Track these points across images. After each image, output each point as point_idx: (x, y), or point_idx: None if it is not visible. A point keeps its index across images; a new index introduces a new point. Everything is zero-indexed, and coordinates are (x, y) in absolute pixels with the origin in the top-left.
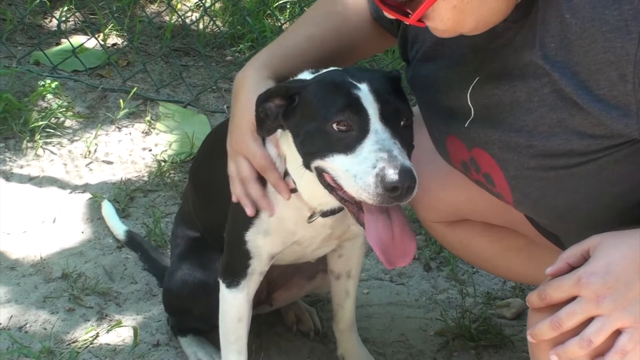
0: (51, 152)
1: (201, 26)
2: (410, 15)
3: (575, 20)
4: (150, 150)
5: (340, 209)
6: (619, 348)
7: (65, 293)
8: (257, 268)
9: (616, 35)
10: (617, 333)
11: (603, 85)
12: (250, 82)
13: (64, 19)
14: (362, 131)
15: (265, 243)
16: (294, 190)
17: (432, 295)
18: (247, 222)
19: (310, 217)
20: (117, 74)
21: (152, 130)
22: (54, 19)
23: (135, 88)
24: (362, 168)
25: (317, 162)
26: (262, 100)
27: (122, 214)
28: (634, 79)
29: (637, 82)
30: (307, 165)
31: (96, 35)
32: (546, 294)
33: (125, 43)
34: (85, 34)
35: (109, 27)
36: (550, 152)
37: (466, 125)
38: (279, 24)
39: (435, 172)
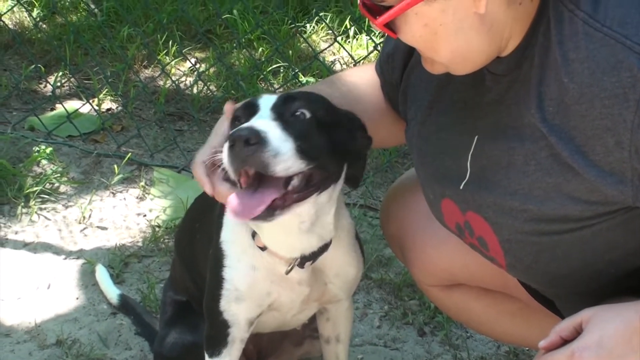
0: (46, 217)
1: (195, 91)
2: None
3: (573, 85)
4: (145, 215)
5: (319, 252)
6: None
7: None
8: (237, 336)
9: (614, 102)
10: None
11: (599, 151)
12: None
13: (58, 84)
14: (249, 118)
15: (240, 310)
16: (264, 248)
17: None
18: (218, 292)
19: (292, 266)
20: (112, 139)
21: (146, 195)
22: (48, 85)
23: (130, 154)
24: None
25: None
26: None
27: (117, 279)
28: (630, 146)
29: (633, 149)
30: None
31: (91, 101)
32: None
33: (119, 108)
34: (80, 99)
35: (104, 92)
36: (544, 217)
37: (461, 187)
38: (273, 89)
39: (430, 236)
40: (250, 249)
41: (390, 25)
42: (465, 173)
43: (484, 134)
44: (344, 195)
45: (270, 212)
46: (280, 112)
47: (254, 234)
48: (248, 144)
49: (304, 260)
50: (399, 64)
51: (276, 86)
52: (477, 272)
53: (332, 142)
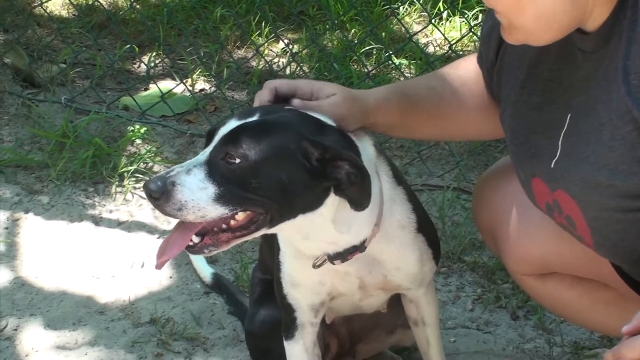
0: (140, 197)
1: (288, 72)
2: None
3: None
4: None
5: (347, 253)
6: None
7: (153, 338)
8: (305, 320)
9: None
10: None
11: None
12: None
13: (152, 64)
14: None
15: (298, 295)
16: None
17: (520, 344)
18: (278, 275)
19: (319, 262)
20: (205, 119)
21: None
22: (142, 65)
23: None
24: None
25: None
26: None
27: (210, 259)
28: None
29: None
30: None
31: (184, 81)
32: (620, 354)
33: (212, 88)
34: (173, 79)
35: (197, 73)
36: (629, 193)
37: (552, 165)
38: (366, 70)
39: (523, 225)
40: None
41: None
42: (556, 151)
43: (576, 111)
44: (436, 178)
45: (200, 248)
46: (215, 154)
47: None
48: (151, 197)
49: (330, 258)
50: (495, 44)
51: (369, 68)
52: (570, 261)
53: (276, 181)
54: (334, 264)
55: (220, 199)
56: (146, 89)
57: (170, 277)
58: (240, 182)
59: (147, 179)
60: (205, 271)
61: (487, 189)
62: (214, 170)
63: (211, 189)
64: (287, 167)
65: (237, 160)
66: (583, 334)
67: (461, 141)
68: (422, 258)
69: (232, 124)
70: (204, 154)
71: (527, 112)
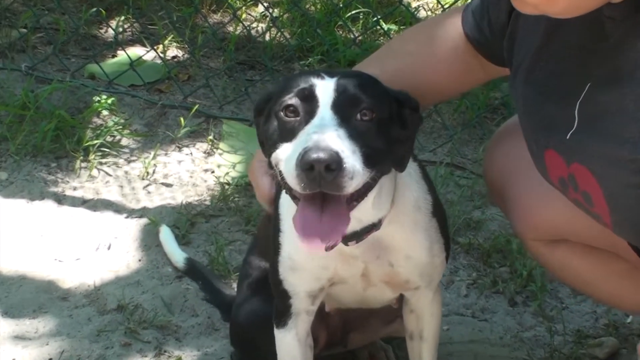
0: (106, 173)
1: (267, 38)
2: None
3: None
4: (213, 172)
5: (363, 232)
6: None
7: (120, 326)
8: (301, 307)
9: None
10: None
11: None
12: None
13: (120, 29)
14: (308, 117)
15: (296, 280)
16: None
17: (518, 332)
18: (276, 259)
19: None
20: (178, 89)
21: (214, 150)
22: (109, 30)
23: (197, 105)
24: (294, 150)
25: (273, 157)
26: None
27: (182, 240)
28: None
29: None
30: (270, 165)
31: (155, 47)
32: None
33: (186, 56)
34: (144, 45)
35: (169, 39)
36: None
37: (568, 137)
38: (352, 36)
39: (535, 186)
40: None
41: None
42: (573, 122)
43: (597, 81)
44: (428, 153)
45: None
46: (344, 115)
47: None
48: (329, 170)
49: (345, 240)
50: (505, 6)
51: (356, 34)
52: (582, 229)
53: (390, 135)
54: (347, 245)
55: (366, 160)
56: (114, 56)
57: (139, 260)
58: (377, 138)
59: (115, 153)
60: (178, 256)
61: (500, 146)
62: (352, 130)
63: (358, 152)
64: (396, 116)
65: (371, 115)
66: (586, 321)
67: (455, 112)
68: (432, 247)
69: (326, 83)
70: (323, 121)
71: (543, 79)
